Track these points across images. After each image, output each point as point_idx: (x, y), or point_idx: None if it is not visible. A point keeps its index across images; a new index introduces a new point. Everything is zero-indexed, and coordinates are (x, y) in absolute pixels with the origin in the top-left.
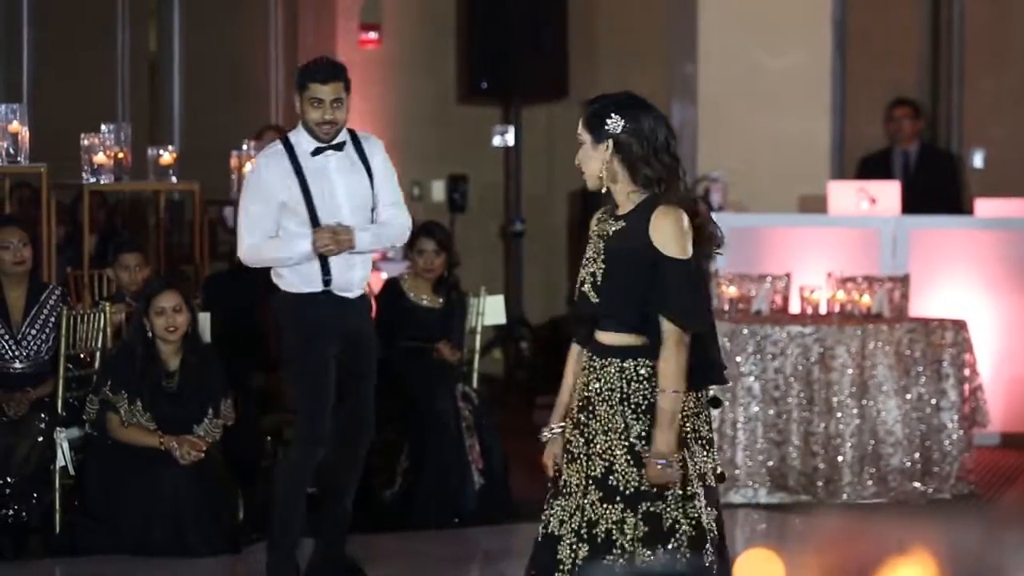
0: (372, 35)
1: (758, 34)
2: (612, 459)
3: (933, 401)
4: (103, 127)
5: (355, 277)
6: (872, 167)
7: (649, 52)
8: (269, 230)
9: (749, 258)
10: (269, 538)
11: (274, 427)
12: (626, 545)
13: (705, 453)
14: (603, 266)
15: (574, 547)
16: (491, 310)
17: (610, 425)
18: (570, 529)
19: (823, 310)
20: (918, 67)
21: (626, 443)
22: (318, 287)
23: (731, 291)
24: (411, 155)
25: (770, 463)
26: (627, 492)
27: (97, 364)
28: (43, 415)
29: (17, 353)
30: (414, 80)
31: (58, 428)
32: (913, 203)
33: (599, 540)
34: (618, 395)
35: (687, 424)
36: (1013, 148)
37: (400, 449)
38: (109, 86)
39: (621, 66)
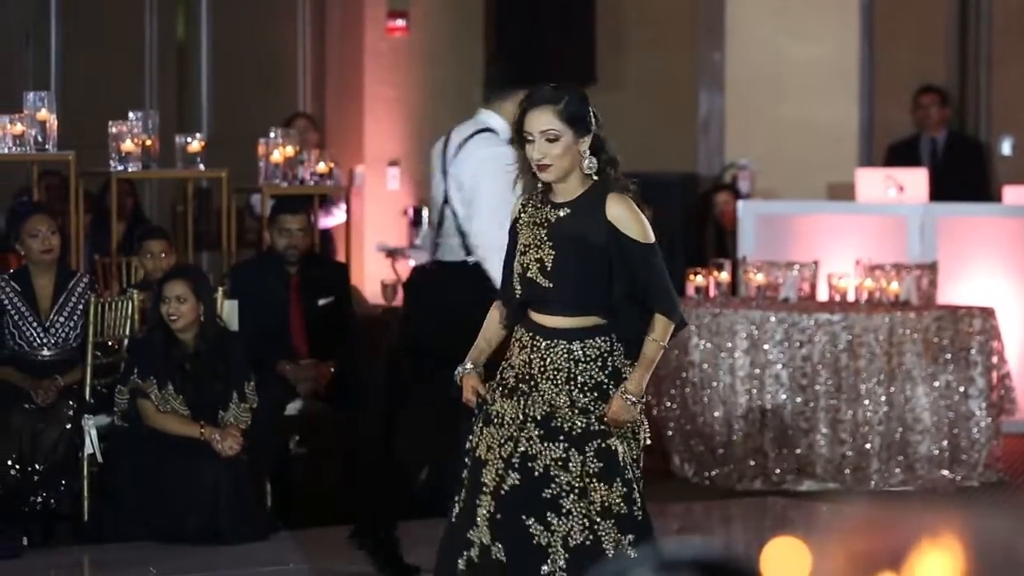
0: (400, 23)
1: (785, 21)
2: (555, 405)
3: (961, 389)
4: (131, 115)
5: None
6: (900, 154)
7: (676, 40)
8: None
9: (777, 246)
10: None
11: (299, 415)
12: (574, 482)
13: (645, 431)
14: (552, 252)
15: (500, 472)
16: None
17: (553, 401)
18: (498, 456)
19: (851, 298)
20: (946, 54)
21: (570, 412)
22: None
23: (759, 278)
24: None
25: (798, 451)
26: (573, 433)
27: (125, 351)
28: (71, 402)
29: (45, 340)
30: (441, 68)
31: (86, 416)
32: (941, 190)
33: (535, 473)
34: (564, 375)
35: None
36: None
37: None
38: (137, 74)
39: (648, 54)
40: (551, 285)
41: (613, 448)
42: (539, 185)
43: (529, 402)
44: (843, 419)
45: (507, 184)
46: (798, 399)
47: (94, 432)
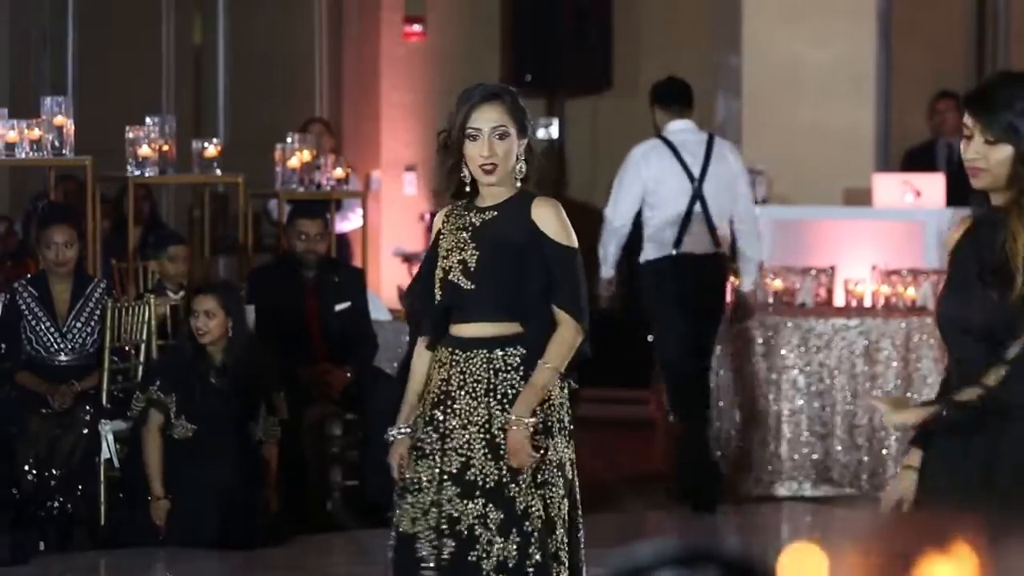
0: (416, 27)
1: (802, 26)
2: (470, 453)
3: None
4: (148, 120)
5: None
6: (916, 159)
7: (693, 44)
8: None
9: (793, 251)
10: None
11: (318, 420)
12: (492, 538)
13: (566, 444)
14: (475, 252)
15: (435, 543)
16: None
17: (471, 418)
18: (427, 526)
19: (868, 303)
20: (964, 58)
21: (487, 436)
22: None
23: (776, 284)
24: None
25: (814, 456)
26: (487, 486)
27: (142, 356)
28: (88, 407)
29: (63, 346)
30: (458, 73)
31: (103, 420)
32: (958, 196)
33: (464, 536)
34: (484, 387)
35: (554, 414)
36: None
37: None
38: (154, 79)
39: (665, 58)
40: (473, 287)
41: (511, 496)
42: (467, 189)
43: (443, 447)
44: (860, 424)
45: None
46: (815, 404)
47: (111, 437)
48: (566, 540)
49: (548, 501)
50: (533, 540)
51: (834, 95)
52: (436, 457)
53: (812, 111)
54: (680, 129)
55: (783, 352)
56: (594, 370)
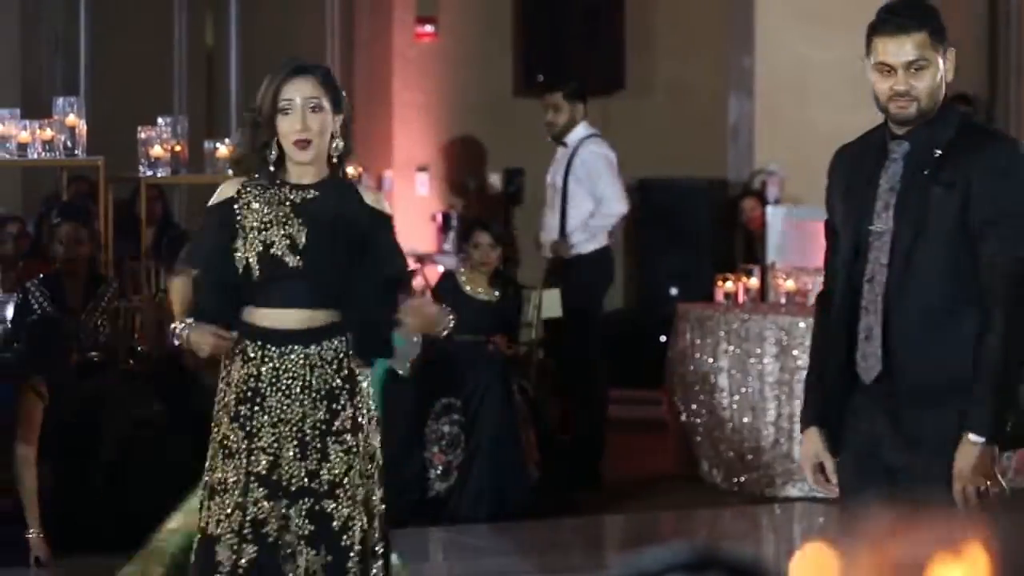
0: (428, 28)
1: (815, 27)
2: (279, 453)
3: None
4: (160, 120)
5: None
6: None
7: (706, 44)
8: None
9: (806, 251)
10: None
11: None
12: (292, 542)
13: (376, 432)
14: (304, 229)
15: (235, 548)
16: (548, 303)
17: (283, 416)
18: (229, 529)
19: None
20: (976, 60)
21: (298, 435)
22: None
23: (788, 284)
24: (467, 148)
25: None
26: (291, 488)
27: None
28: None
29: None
30: (470, 73)
31: None
32: None
33: (268, 540)
34: (300, 383)
35: (364, 405)
36: None
37: (458, 443)
38: (166, 79)
39: (677, 58)
40: (300, 264)
41: (328, 511)
42: (269, 167)
43: (251, 446)
44: None
45: None
46: None
47: None
48: (383, 529)
49: (367, 497)
50: (352, 555)
51: (846, 96)
52: (242, 457)
53: (824, 112)
54: None
55: (795, 352)
56: (608, 371)
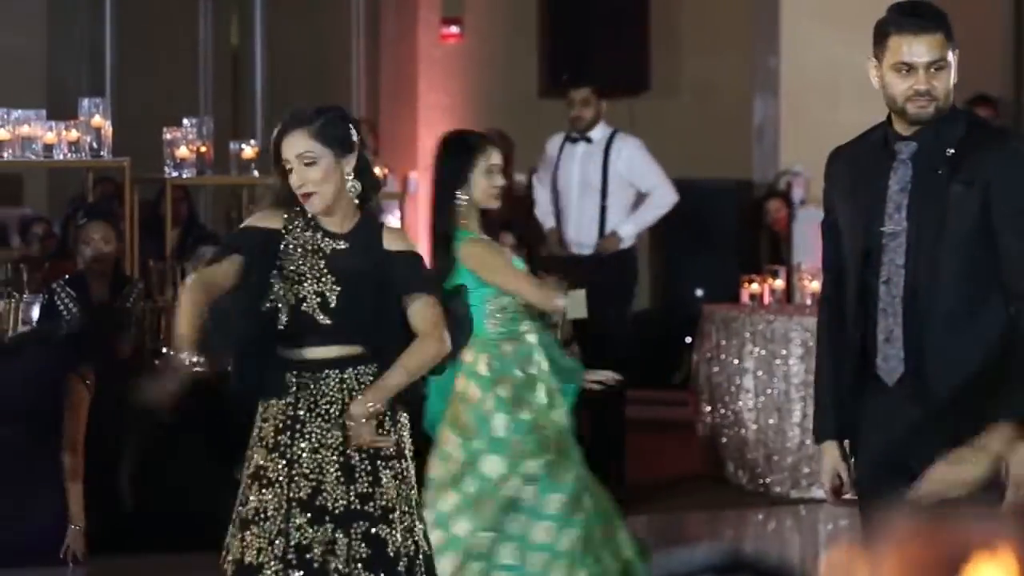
0: (453, 29)
1: (841, 28)
2: (321, 478)
3: None
4: (185, 121)
5: None
6: None
7: (731, 44)
8: None
9: None
10: None
11: None
12: (340, 567)
13: (412, 465)
14: (337, 289)
15: (280, 574)
16: (573, 305)
17: (324, 440)
18: (272, 555)
19: None
20: (1001, 61)
21: (339, 459)
22: None
23: (814, 285)
24: None
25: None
26: (336, 511)
27: None
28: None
29: None
30: (495, 74)
31: None
32: None
33: (314, 565)
34: (338, 408)
35: (405, 434)
36: None
37: None
38: (191, 80)
39: (703, 58)
40: (330, 323)
41: (383, 536)
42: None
43: (291, 473)
44: None
45: None
46: None
47: None
48: (426, 562)
49: (421, 532)
50: None
51: (873, 97)
52: (283, 484)
53: (851, 112)
54: None
55: None
56: (634, 372)
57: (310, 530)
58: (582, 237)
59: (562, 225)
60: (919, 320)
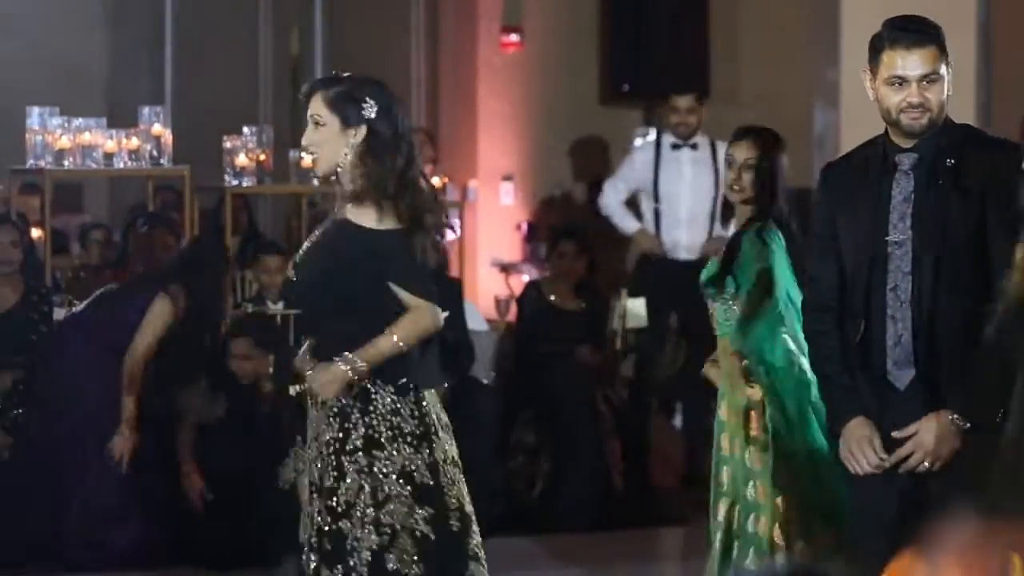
0: (513, 37)
1: None
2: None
3: None
4: (245, 129)
5: None
6: None
7: (791, 53)
8: None
9: None
10: None
11: None
12: (310, 560)
13: (412, 451)
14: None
15: (307, 558)
16: (633, 312)
17: (313, 434)
18: (304, 539)
19: None
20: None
21: (319, 452)
22: None
23: None
24: (553, 157)
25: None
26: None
27: None
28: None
29: None
30: (556, 82)
31: None
32: None
33: (327, 549)
34: (320, 401)
35: (382, 423)
36: None
37: (540, 452)
38: (251, 89)
39: (762, 67)
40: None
41: (344, 531)
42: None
43: (317, 465)
44: None
45: None
46: None
47: None
48: (421, 549)
49: (392, 515)
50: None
51: None
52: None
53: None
54: None
55: None
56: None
57: (319, 518)
58: (695, 241)
59: (663, 231)
60: (926, 325)
